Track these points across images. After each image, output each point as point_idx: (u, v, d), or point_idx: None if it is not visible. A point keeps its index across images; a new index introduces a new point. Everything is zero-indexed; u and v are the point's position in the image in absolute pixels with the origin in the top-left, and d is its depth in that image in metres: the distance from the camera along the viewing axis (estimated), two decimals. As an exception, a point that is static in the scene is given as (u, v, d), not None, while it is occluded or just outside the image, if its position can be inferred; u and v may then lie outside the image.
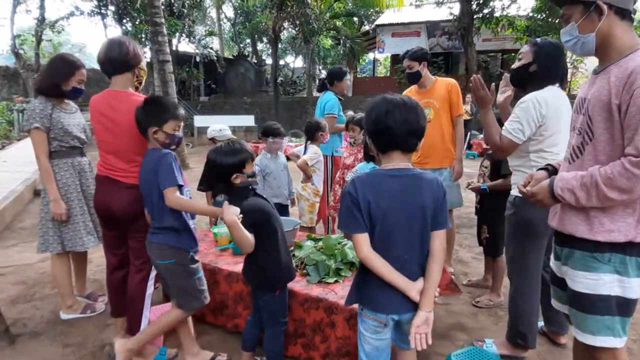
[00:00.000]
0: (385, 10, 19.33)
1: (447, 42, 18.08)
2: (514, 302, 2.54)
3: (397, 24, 18.62)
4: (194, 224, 2.40)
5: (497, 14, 13.85)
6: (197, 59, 20.94)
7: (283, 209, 3.90)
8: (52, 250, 2.94)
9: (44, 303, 3.32)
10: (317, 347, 2.39)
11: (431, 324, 1.68)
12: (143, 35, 17.03)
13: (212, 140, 4.12)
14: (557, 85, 2.50)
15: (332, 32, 19.21)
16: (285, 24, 17.54)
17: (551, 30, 12.91)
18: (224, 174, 2.13)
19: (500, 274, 3.33)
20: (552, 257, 1.92)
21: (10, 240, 4.91)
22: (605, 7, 1.55)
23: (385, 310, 1.71)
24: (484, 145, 11.93)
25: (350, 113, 5.82)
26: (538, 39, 2.54)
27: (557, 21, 12.76)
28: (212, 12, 27.03)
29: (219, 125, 4.19)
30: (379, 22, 19.65)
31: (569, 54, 17.00)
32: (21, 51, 19.24)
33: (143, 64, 2.56)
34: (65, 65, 2.85)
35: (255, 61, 24.93)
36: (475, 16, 13.75)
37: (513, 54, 16.08)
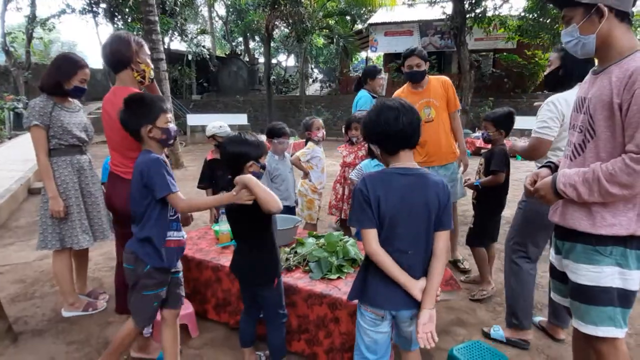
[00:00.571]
0: (378, 9, 19.40)
1: (440, 42, 18.20)
2: (509, 285, 2.79)
3: (390, 23, 18.70)
4: (182, 236, 2.25)
5: (489, 14, 13.96)
6: (190, 57, 20.85)
7: (291, 211, 3.86)
8: (51, 247, 2.94)
9: (44, 301, 3.31)
10: (321, 342, 2.42)
11: (435, 320, 1.74)
12: (135, 33, 16.92)
13: (213, 137, 4.11)
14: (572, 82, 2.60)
15: (325, 30, 19.23)
16: (278, 23, 17.54)
17: (542, 30, 13.07)
18: (241, 161, 2.11)
19: (483, 264, 3.47)
20: (552, 251, 1.98)
21: (7, 239, 4.88)
22: (606, 9, 1.59)
23: (384, 306, 1.77)
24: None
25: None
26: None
27: (548, 21, 12.91)
28: (204, 11, 26.94)
29: (219, 122, 4.18)
30: (371, 21, 19.71)
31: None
32: (11, 49, 19.00)
33: (143, 58, 2.54)
34: (68, 64, 2.86)
35: (248, 60, 24.88)
36: (467, 16, 13.85)
37: (505, 53, 16.28)
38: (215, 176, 3.94)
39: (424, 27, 18.32)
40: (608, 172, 1.55)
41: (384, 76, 4.56)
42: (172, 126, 2.19)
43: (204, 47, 21.77)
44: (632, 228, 1.60)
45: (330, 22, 18.91)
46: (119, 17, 18.58)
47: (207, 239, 3.29)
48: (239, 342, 2.47)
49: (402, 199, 1.70)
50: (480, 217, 3.49)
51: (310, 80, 24.78)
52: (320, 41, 22.46)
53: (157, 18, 9.62)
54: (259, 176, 2.17)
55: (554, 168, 1.91)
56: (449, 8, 14.24)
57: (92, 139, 3.10)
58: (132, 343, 2.33)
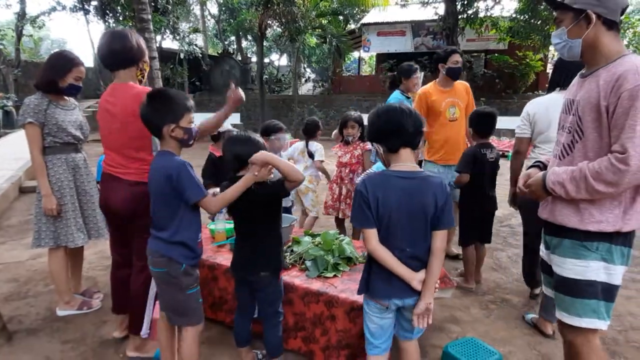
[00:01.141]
0: (371, 9, 19.43)
1: (432, 42, 18.27)
2: (522, 261, 3.42)
3: (383, 23, 18.75)
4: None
5: (481, 15, 14.07)
6: (182, 56, 20.74)
7: (287, 211, 3.81)
8: (44, 245, 2.94)
9: (38, 300, 3.30)
10: (317, 340, 2.44)
11: (431, 312, 1.86)
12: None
13: (218, 134, 4.11)
14: (559, 90, 2.94)
15: (317, 30, 19.20)
16: (271, 22, 17.50)
17: (533, 32, 13.19)
18: (245, 159, 2.12)
19: (466, 264, 3.60)
20: (542, 247, 2.06)
21: (-2, 238, 4.84)
22: (594, 16, 1.66)
23: (388, 297, 1.87)
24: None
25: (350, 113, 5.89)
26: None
27: (538, 23, 13.03)
28: (196, 9, 26.80)
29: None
30: (364, 21, 19.75)
31: (550, 56, 17.37)
32: (1, 46, 18.76)
33: (146, 57, 2.55)
34: (62, 61, 2.85)
35: (240, 59, 24.80)
36: (459, 16, 13.94)
37: (496, 54, 16.40)
38: (219, 173, 3.94)
39: (417, 27, 18.39)
40: (594, 171, 1.62)
41: (419, 75, 4.40)
42: (195, 127, 2.16)
43: (196, 45, 21.67)
44: (618, 225, 1.68)
45: (323, 21, 18.89)
46: (111, 14, 18.42)
47: (202, 238, 3.29)
48: (234, 342, 2.48)
49: (400, 201, 1.79)
50: (460, 216, 3.60)
51: (303, 79, 24.76)
52: (313, 41, 22.43)
53: (149, 16, 9.55)
54: None
55: (542, 167, 1.99)
56: (441, 9, 14.33)
57: (88, 137, 3.09)
58: (199, 347, 2.27)
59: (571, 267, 1.78)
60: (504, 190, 3.65)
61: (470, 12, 13.92)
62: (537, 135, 3.01)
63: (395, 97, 4.33)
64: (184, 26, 23.55)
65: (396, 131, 1.81)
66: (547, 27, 12.94)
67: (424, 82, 5.23)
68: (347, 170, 4.00)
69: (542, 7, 12.77)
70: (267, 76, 23.06)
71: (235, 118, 18.81)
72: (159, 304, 2.29)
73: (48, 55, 3.07)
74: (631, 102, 1.55)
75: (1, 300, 3.26)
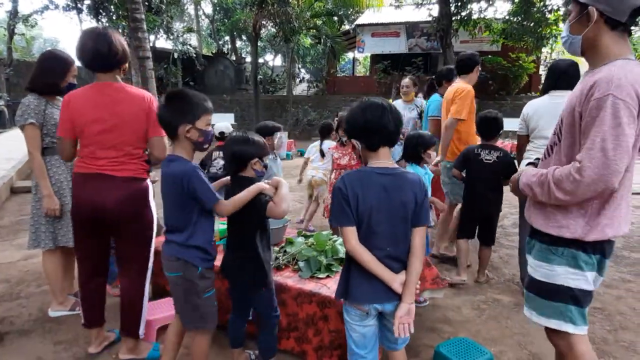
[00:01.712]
0: (365, 10, 19.46)
1: (426, 43, 18.34)
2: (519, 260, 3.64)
3: (377, 24, 18.78)
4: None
5: (474, 17, 14.12)
6: (175, 55, 20.65)
7: None
8: (44, 246, 2.92)
9: (30, 301, 3.28)
10: (310, 340, 2.45)
11: (413, 315, 1.79)
12: (120, 31, 16.71)
13: (221, 134, 4.23)
14: (554, 90, 3.23)
15: (312, 31, 19.22)
16: (265, 22, 17.48)
17: (526, 34, 13.26)
18: (246, 159, 2.15)
19: (459, 255, 3.72)
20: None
21: (-11, 238, 4.80)
22: (595, 13, 1.59)
23: (368, 301, 1.82)
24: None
25: (342, 114, 5.95)
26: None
27: (532, 25, 13.10)
28: (191, 9, 26.71)
29: (225, 123, 4.65)
30: (359, 22, 19.78)
31: (542, 58, 17.49)
32: (-8, 45, 18.61)
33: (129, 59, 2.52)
34: (60, 63, 2.85)
35: (235, 59, 24.74)
36: (453, 18, 13.99)
37: (489, 56, 16.48)
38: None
39: (411, 28, 18.44)
40: (556, 177, 1.62)
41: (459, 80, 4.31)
42: (211, 130, 2.15)
43: (190, 45, 21.57)
44: (578, 233, 1.66)
45: (317, 22, 18.90)
46: (104, 14, 18.29)
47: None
48: (229, 342, 2.48)
49: (379, 197, 1.76)
50: (460, 212, 3.89)
51: (298, 80, 24.76)
52: (308, 41, 22.44)
53: (143, 16, 9.50)
54: (261, 174, 2.24)
55: (537, 165, 2.00)
56: (435, 10, 14.37)
57: None
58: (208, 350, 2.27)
59: (539, 270, 1.79)
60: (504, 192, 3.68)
61: (463, 13, 13.97)
62: (531, 132, 3.35)
63: (437, 101, 4.34)
64: (177, 26, 23.45)
65: (378, 130, 1.77)
66: (540, 29, 13.02)
67: (419, 84, 5.29)
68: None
69: (535, 9, 12.86)
70: (261, 76, 23.02)
71: (229, 118, 18.74)
72: (174, 308, 2.25)
73: (39, 56, 3.05)
74: (597, 112, 1.51)
75: (-7, 301, 3.25)
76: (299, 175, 5.55)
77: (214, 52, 26.16)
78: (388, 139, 1.80)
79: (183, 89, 2.18)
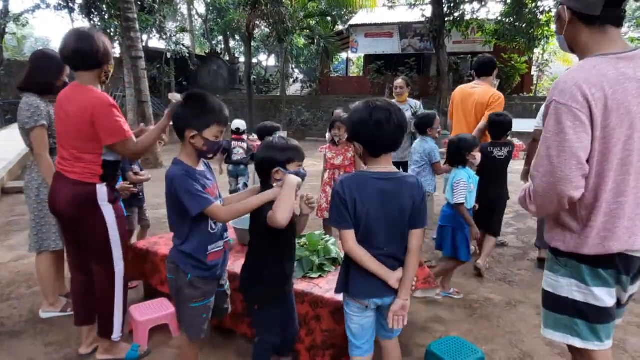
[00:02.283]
0: (359, 11, 19.50)
1: (420, 44, 18.40)
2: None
3: (371, 25, 18.82)
4: (221, 246, 2.11)
5: (467, 17, 14.19)
6: (168, 55, 20.56)
7: None
8: (47, 247, 2.96)
9: (21, 302, 3.26)
10: (302, 340, 2.45)
11: (407, 310, 1.87)
12: (112, 30, 16.63)
13: (237, 130, 4.78)
14: None
15: (305, 31, 19.22)
16: (259, 22, 17.46)
17: (518, 35, 13.34)
18: (265, 167, 2.01)
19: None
20: None
21: (-20, 239, 4.76)
22: (566, 12, 1.56)
23: (367, 296, 1.88)
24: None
25: (338, 112, 5.92)
26: None
27: (524, 26, 13.19)
28: (184, 9, 26.64)
29: (241, 120, 5.14)
30: (352, 22, 19.80)
31: (534, 59, 17.63)
32: (-18, 44, 18.43)
33: (112, 60, 2.48)
34: (54, 63, 2.82)
35: (228, 59, 24.69)
36: (446, 19, 14.06)
37: (479, 55, 16.58)
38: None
39: (404, 29, 18.50)
40: (528, 191, 1.61)
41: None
42: (222, 141, 2.05)
43: (183, 45, 21.49)
44: (571, 246, 1.60)
45: (311, 22, 18.91)
46: (96, 13, 18.17)
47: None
48: (223, 340, 2.47)
49: (377, 202, 1.80)
50: None
51: (291, 80, 24.75)
52: (301, 41, 22.45)
53: (135, 15, 9.49)
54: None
55: None
56: (428, 11, 14.43)
57: None
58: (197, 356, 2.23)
59: (547, 280, 1.73)
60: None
61: (456, 14, 14.04)
62: None
63: None
64: (170, 25, 23.32)
65: (381, 138, 1.78)
66: (532, 30, 13.12)
67: (412, 84, 5.32)
68: (341, 173, 3.98)
69: (526, 10, 12.94)
70: (255, 77, 22.98)
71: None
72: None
73: (31, 56, 3.03)
74: (546, 119, 1.51)
75: (-17, 303, 3.22)
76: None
77: (207, 52, 26.10)
78: (391, 147, 1.83)
79: (204, 93, 2.04)
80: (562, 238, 1.63)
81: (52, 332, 2.84)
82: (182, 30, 23.17)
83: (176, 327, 2.81)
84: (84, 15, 18.22)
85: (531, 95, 17.50)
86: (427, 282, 2.86)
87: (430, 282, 2.88)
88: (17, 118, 2.85)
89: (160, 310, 2.83)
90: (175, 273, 2.04)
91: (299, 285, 2.49)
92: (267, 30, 18.79)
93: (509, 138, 3.96)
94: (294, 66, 26.17)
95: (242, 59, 24.11)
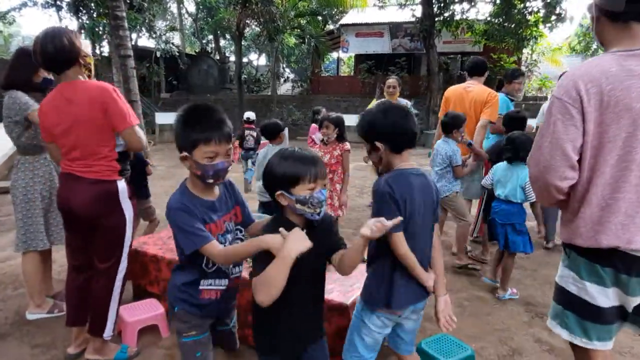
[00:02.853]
0: (349, 10, 19.54)
1: (410, 44, 18.48)
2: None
3: (361, 24, 18.86)
4: (224, 285, 1.81)
5: (457, 18, 14.30)
6: (158, 54, 20.43)
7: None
8: (36, 245, 2.93)
9: (6, 304, 3.21)
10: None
11: (450, 305, 1.90)
12: (100, 29, 16.48)
13: (247, 119, 5.15)
14: None
15: (296, 30, 19.24)
16: (249, 21, 17.42)
17: (507, 35, 13.47)
18: (270, 189, 1.59)
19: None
20: None
21: (-35, 240, 4.68)
22: (594, 10, 1.60)
23: (410, 303, 1.83)
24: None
25: (324, 111, 5.94)
26: None
27: (512, 26, 13.32)
28: (173, 7, 26.44)
29: (251, 112, 5.48)
30: (343, 21, 19.84)
31: (523, 59, 17.79)
32: (-32, 42, 18.16)
33: (86, 51, 2.41)
34: (31, 58, 2.77)
35: (218, 58, 24.58)
36: (436, 19, 14.16)
37: (472, 57, 16.70)
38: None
39: (395, 29, 18.57)
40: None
41: (522, 80, 4.70)
42: (221, 163, 1.67)
43: (173, 44, 21.35)
44: (567, 237, 1.63)
45: (301, 21, 18.92)
46: (84, 11, 18.00)
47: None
48: (215, 341, 2.42)
49: (420, 199, 1.77)
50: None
51: (282, 79, 24.72)
52: (292, 41, 22.43)
53: (124, 14, 9.40)
54: (302, 214, 1.55)
55: None
56: (418, 11, 14.51)
57: None
58: None
59: (558, 269, 1.75)
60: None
61: (446, 14, 14.15)
62: None
63: (501, 99, 4.47)
64: (160, 24, 23.17)
65: (402, 133, 1.78)
66: (521, 30, 13.25)
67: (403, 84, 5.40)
68: (327, 171, 3.99)
69: (515, 11, 13.07)
70: (245, 76, 22.92)
71: (213, 118, 18.59)
72: None
73: (12, 54, 3.01)
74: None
75: (-33, 305, 3.17)
76: None
77: (197, 51, 25.96)
78: (412, 141, 1.82)
79: (199, 104, 1.74)
80: (563, 228, 1.67)
81: (38, 334, 2.80)
82: (172, 29, 23.03)
83: (165, 328, 2.79)
84: (71, 14, 18.04)
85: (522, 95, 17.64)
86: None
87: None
88: (2, 114, 2.81)
89: (149, 310, 2.80)
90: (169, 301, 1.86)
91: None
92: (257, 29, 18.77)
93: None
94: (284, 65, 26.13)
95: (232, 58, 24.01)
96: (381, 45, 18.98)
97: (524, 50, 16.29)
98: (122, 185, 2.40)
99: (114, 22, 9.28)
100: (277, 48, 19.86)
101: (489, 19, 14.11)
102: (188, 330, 1.78)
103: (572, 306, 1.65)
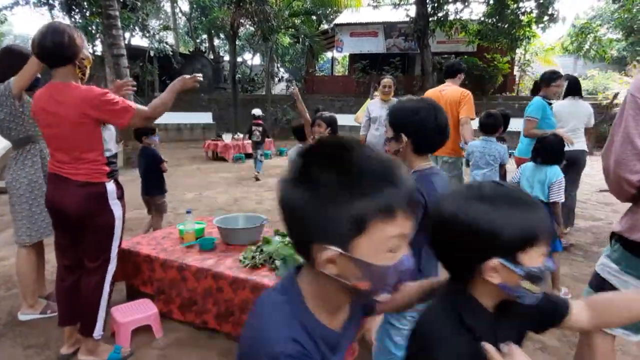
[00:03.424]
0: (344, 10, 19.54)
1: (404, 43, 18.52)
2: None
3: (356, 24, 18.89)
4: None
5: (450, 18, 14.35)
6: (151, 53, 20.33)
7: None
8: (40, 235, 2.95)
9: (-1, 305, 3.19)
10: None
11: None
12: (93, 28, 16.37)
13: (254, 115, 4.70)
14: (570, 97, 4.83)
15: (290, 30, 19.20)
16: (243, 21, 17.38)
17: (501, 35, 13.54)
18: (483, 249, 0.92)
19: None
20: None
21: (-44, 241, 4.64)
22: None
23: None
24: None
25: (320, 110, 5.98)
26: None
27: (506, 26, 13.40)
28: (167, 6, 26.34)
29: (258, 109, 5.89)
30: (337, 21, 19.85)
31: (516, 59, 17.88)
32: (-42, 41, 17.98)
33: (86, 53, 2.36)
34: (17, 58, 2.78)
35: (212, 57, 24.51)
36: (430, 19, 14.20)
37: (465, 57, 16.77)
38: None
39: (389, 28, 18.61)
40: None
41: (559, 83, 4.63)
42: (407, 258, 0.81)
43: (166, 43, 21.26)
44: (620, 228, 1.67)
45: (296, 21, 18.89)
46: (77, 10, 17.88)
47: (171, 239, 3.26)
48: (210, 340, 2.42)
49: None
50: None
51: (276, 79, 24.68)
52: (286, 40, 22.40)
53: (117, 13, 9.36)
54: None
55: None
56: (412, 11, 14.55)
57: None
58: None
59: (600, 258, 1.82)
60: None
61: (440, 14, 14.19)
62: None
63: (535, 102, 4.51)
64: (154, 23, 23.09)
65: (433, 134, 1.70)
66: (514, 30, 13.33)
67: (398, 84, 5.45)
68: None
69: (508, 11, 13.14)
70: (239, 75, 22.88)
71: (207, 117, 18.58)
72: None
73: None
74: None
75: (-41, 306, 3.14)
76: None
77: (191, 50, 25.88)
78: (437, 144, 1.75)
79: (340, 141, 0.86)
80: (624, 220, 1.66)
81: (31, 335, 2.79)
82: (166, 28, 22.94)
83: (159, 328, 2.79)
84: (64, 13, 17.90)
85: (513, 94, 17.76)
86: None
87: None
88: None
89: (142, 311, 2.79)
90: None
91: (284, 284, 2.48)
92: (251, 28, 18.73)
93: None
94: (279, 65, 26.10)
95: (226, 58, 23.96)
96: (375, 45, 19.02)
97: (517, 50, 16.39)
98: (110, 186, 2.37)
99: (107, 21, 9.25)
100: (272, 47, 19.84)
101: (482, 19, 14.18)
102: None
103: (598, 289, 1.72)
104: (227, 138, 12.11)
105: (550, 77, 4.60)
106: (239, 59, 25.75)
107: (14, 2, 18.48)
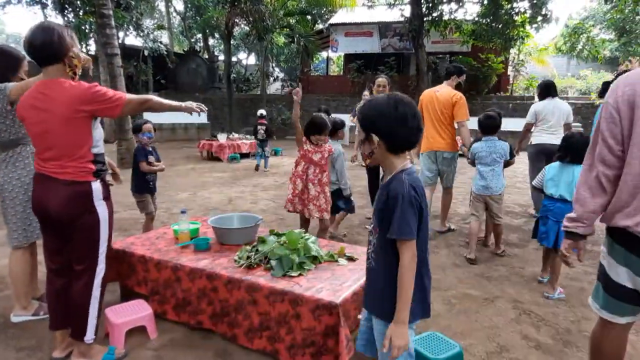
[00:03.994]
0: (339, 10, 19.56)
1: (399, 43, 18.57)
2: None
3: (350, 24, 18.90)
4: None
5: (445, 18, 14.40)
6: (146, 53, 20.24)
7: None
8: (35, 238, 2.93)
9: (-9, 307, 3.16)
10: (282, 339, 2.44)
11: None
12: (87, 27, 16.28)
13: (260, 115, 5.17)
14: (550, 97, 5.50)
15: (285, 29, 19.20)
16: (238, 20, 17.35)
17: (495, 35, 13.60)
18: None
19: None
20: None
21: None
22: None
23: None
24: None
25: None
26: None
27: (500, 26, 13.45)
28: (161, 5, 26.25)
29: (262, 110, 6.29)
30: (332, 21, 19.86)
31: (510, 59, 17.95)
32: (-50, 40, 17.81)
33: (76, 51, 2.34)
34: (10, 59, 2.78)
35: (207, 57, 24.44)
36: (425, 19, 14.23)
37: (460, 56, 16.84)
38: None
39: (384, 28, 18.64)
40: None
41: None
42: None
43: (161, 43, 21.17)
44: (603, 218, 1.85)
45: (291, 21, 18.88)
46: (70, 9, 17.77)
47: (165, 239, 3.24)
48: (204, 340, 2.42)
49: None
50: None
51: (271, 79, 24.65)
52: (281, 40, 22.38)
53: (111, 12, 9.31)
54: None
55: None
56: (407, 11, 14.58)
57: None
58: None
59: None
60: (465, 188, 3.76)
61: (435, 14, 14.23)
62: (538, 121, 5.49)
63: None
64: (148, 23, 23.00)
65: (409, 134, 1.64)
66: (508, 30, 13.39)
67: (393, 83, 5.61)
68: (316, 171, 3.94)
69: (502, 11, 13.20)
70: (234, 75, 22.83)
71: (202, 117, 18.45)
72: None
73: None
74: None
75: (-50, 307, 3.10)
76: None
77: (185, 49, 25.80)
78: (415, 142, 1.68)
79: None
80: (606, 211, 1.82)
81: (24, 337, 2.76)
82: (160, 27, 22.87)
83: (153, 329, 2.77)
84: (57, 12, 17.79)
85: (507, 94, 17.84)
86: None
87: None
88: None
89: (137, 312, 2.77)
90: None
91: (279, 284, 2.48)
92: (246, 28, 18.70)
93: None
94: (274, 65, 26.08)
95: (221, 57, 23.90)
96: (370, 45, 19.04)
97: (511, 51, 16.47)
98: (96, 186, 2.35)
99: (100, 21, 9.20)
100: (267, 47, 19.81)
101: (476, 19, 14.23)
102: None
103: (600, 277, 1.90)
104: (222, 138, 12.05)
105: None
106: (234, 59, 25.69)
107: (6, 1, 18.33)
